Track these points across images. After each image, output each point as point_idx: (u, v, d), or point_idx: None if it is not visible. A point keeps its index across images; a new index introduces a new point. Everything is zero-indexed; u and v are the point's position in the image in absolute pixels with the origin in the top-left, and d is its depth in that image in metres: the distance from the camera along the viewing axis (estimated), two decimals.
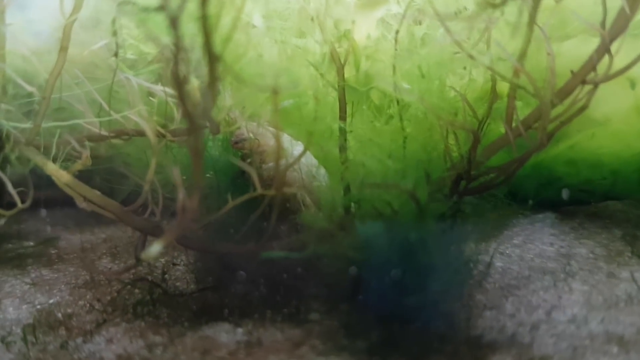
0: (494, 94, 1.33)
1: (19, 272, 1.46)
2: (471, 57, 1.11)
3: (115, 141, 1.47)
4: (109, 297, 1.27)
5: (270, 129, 1.44)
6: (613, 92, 1.35)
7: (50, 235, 1.69)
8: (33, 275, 1.43)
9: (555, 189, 1.54)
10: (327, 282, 1.18)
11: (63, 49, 1.18)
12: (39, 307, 1.26)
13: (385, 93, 1.54)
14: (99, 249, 1.58)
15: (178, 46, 0.88)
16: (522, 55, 1.15)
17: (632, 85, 1.38)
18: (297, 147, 1.41)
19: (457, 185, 1.25)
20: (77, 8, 1.18)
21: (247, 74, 1.01)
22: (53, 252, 1.58)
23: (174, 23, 0.87)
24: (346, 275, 1.14)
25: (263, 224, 1.25)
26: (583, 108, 1.27)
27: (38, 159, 1.28)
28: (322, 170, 1.39)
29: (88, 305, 1.25)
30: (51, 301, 1.28)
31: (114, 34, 1.16)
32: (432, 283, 1.10)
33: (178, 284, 1.31)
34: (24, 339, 1.12)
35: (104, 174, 1.60)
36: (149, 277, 1.31)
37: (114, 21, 1.12)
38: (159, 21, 0.99)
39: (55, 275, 1.42)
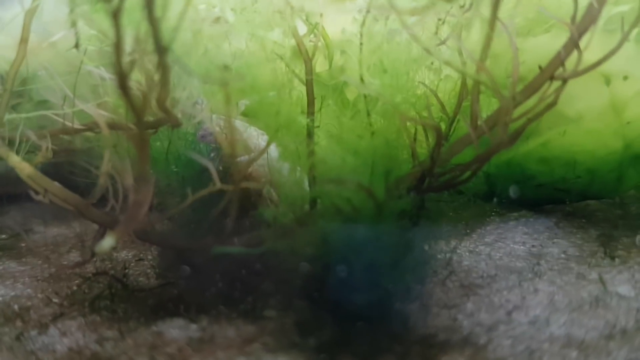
0: (463, 91, 1.31)
1: None
2: (428, 51, 1.09)
3: (89, 135, 1.47)
4: (68, 291, 1.26)
5: (239, 123, 1.43)
6: (587, 88, 1.32)
7: (24, 228, 1.69)
8: (0, 267, 1.43)
9: (529, 187, 1.51)
10: (285, 279, 1.16)
11: (23, 40, 1.18)
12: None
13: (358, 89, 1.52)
14: (69, 243, 1.57)
15: (118, 36, 0.87)
16: (484, 51, 1.13)
17: (607, 81, 1.35)
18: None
19: (421, 182, 1.23)
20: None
21: (199, 66, 1.00)
22: (23, 245, 1.58)
23: (114, 13, 0.86)
24: (304, 273, 1.13)
25: (225, 219, 1.25)
26: (551, 105, 1.24)
27: (1, 151, 1.27)
28: (286, 165, 1.37)
29: (47, 298, 1.24)
30: (12, 293, 1.27)
31: (73, 24, 1.15)
32: (387, 281, 1.09)
33: (139, 279, 1.30)
34: None
35: (74, 168, 1.60)
36: (110, 272, 1.30)
37: (71, 11, 1.11)
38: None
39: (22, 268, 1.41)
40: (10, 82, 1.20)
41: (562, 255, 1.38)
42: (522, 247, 1.43)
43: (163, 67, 0.95)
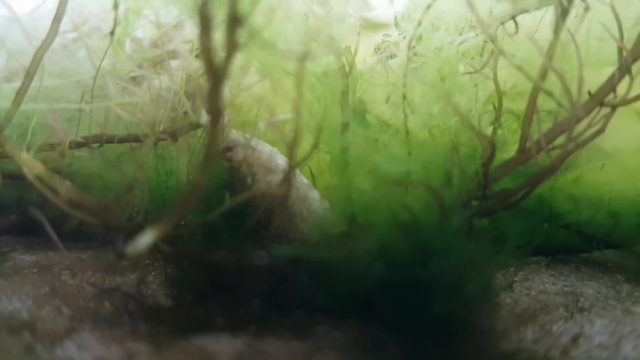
0: (499, 111, 1.27)
1: None
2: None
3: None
4: (76, 306, 1.10)
5: (261, 142, 1.35)
6: (622, 123, 1.32)
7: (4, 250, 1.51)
8: None
9: (552, 228, 1.47)
10: (333, 292, 1.05)
11: (57, 19, 1.06)
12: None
13: (379, 119, 1.48)
14: (54, 268, 1.39)
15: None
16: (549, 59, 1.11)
17: None
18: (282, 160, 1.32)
19: (470, 200, 1.16)
20: None
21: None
22: (7, 264, 1.39)
23: None
24: (357, 285, 1.02)
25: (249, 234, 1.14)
26: (599, 131, 1.23)
27: (9, 147, 1.13)
28: (316, 193, 1.29)
29: (56, 311, 1.07)
30: (10, 308, 1.10)
31: (115, 6, 1.06)
32: (454, 297, 0.99)
33: (155, 295, 1.15)
34: None
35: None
36: (123, 288, 1.15)
37: None
38: None
39: (12, 285, 1.23)
40: (35, 66, 1.07)
41: (598, 295, 1.32)
42: (554, 286, 1.36)
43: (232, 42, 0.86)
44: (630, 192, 1.40)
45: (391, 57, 1.53)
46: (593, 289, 1.36)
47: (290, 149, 1.04)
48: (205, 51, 0.82)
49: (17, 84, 1.17)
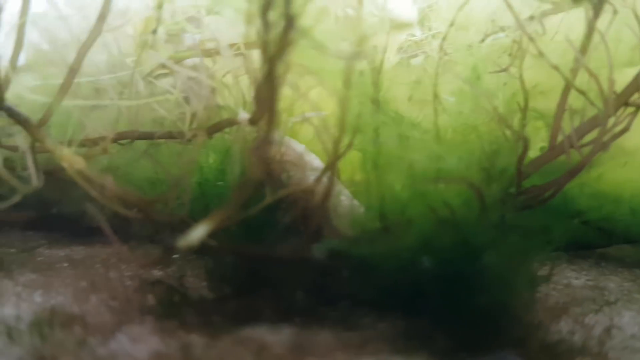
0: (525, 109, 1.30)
1: (5, 275, 1.28)
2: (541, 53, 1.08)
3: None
4: (121, 299, 1.11)
5: (292, 140, 1.37)
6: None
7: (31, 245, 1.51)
8: (22, 279, 1.25)
9: (575, 224, 1.50)
10: (377, 285, 1.07)
11: (101, 17, 1.08)
12: (40, 306, 1.09)
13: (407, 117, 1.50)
14: (87, 262, 1.41)
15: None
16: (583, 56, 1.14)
17: None
18: (316, 160, 1.34)
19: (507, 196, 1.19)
20: None
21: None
22: (39, 259, 1.40)
23: None
24: (401, 279, 1.05)
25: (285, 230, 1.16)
26: (624, 130, 1.26)
27: (49, 143, 1.14)
28: (345, 190, 1.31)
29: (100, 305, 1.09)
30: (53, 302, 1.11)
31: (159, 6, 1.08)
32: (497, 290, 1.02)
33: (197, 288, 1.17)
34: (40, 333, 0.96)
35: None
36: (167, 281, 1.17)
37: None
38: None
39: (50, 279, 1.24)
40: (78, 62, 1.09)
41: (621, 288, 1.36)
42: (577, 280, 1.40)
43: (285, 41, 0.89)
44: None
45: (415, 56, 1.55)
46: (615, 283, 1.39)
47: (334, 145, 1.07)
48: (264, 51, 0.85)
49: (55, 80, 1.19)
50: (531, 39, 1.09)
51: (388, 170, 1.13)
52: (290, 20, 0.86)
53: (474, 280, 1.02)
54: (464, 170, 1.09)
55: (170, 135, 1.28)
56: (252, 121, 1.11)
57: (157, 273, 1.24)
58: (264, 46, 0.88)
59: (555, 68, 1.09)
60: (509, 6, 1.08)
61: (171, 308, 1.08)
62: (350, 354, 0.91)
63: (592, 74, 1.11)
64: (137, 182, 1.40)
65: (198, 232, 0.95)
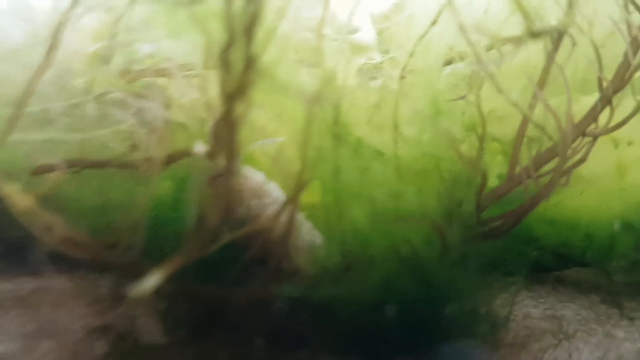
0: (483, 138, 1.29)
1: None
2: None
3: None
4: (71, 348, 1.06)
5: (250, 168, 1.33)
6: (600, 150, 1.36)
7: None
8: None
9: (530, 250, 1.50)
10: (337, 329, 1.04)
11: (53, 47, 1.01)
12: None
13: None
14: (32, 299, 1.33)
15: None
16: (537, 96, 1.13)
17: (615, 145, 1.40)
18: (276, 190, 1.31)
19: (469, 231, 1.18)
20: None
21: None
22: None
23: None
24: (362, 322, 1.02)
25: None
26: (581, 160, 1.26)
27: None
28: (307, 224, 1.28)
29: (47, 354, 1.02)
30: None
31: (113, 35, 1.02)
32: (459, 334, 1.01)
33: (149, 332, 1.12)
34: None
35: None
36: (116, 327, 1.11)
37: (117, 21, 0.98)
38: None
39: None
40: (27, 96, 1.02)
41: (579, 317, 1.36)
42: (535, 309, 1.39)
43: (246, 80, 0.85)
44: (604, 215, 1.45)
45: (374, 79, 1.53)
46: (572, 311, 1.39)
47: (296, 178, 1.04)
48: (225, 95, 0.81)
49: None
50: (489, 74, 1.08)
51: (349, 204, 1.10)
52: (250, 61, 0.83)
53: (435, 324, 1.00)
54: (424, 208, 1.07)
55: (124, 164, 1.22)
56: (210, 156, 1.06)
57: (106, 315, 1.18)
58: (223, 84, 0.84)
59: (515, 105, 1.07)
60: (467, 39, 1.06)
61: (123, 357, 1.03)
62: None
63: (550, 110, 1.10)
64: (87, 211, 1.35)
65: (150, 281, 0.90)
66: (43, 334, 1.11)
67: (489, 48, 1.22)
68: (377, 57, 1.51)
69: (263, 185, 1.30)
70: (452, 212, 1.07)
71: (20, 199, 1.03)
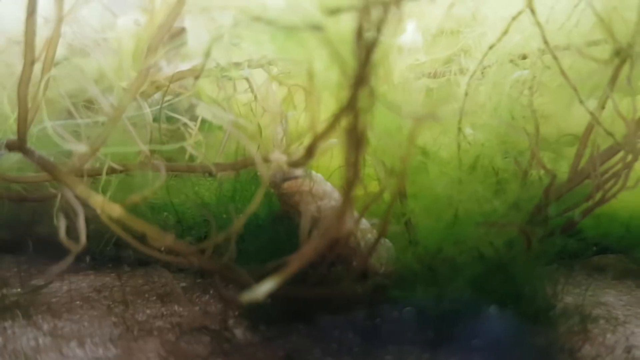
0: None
1: (28, 322, 1.22)
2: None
3: None
4: (169, 348, 1.10)
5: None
6: None
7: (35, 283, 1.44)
8: (46, 326, 1.21)
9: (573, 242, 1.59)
10: (426, 326, 1.11)
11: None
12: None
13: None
14: (102, 298, 1.36)
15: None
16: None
17: None
18: (333, 191, 1.35)
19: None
20: None
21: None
22: (53, 300, 1.34)
23: None
24: (450, 320, 1.09)
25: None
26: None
27: (80, 189, 1.10)
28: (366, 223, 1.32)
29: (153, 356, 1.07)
30: (100, 353, 1.08)
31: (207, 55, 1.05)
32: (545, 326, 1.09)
33: (240, 330, 1.17)
34: None
35: None
36: (210, 326, 1.16)
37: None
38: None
39: (78, 326, 1.21)
40: (125, 103, 1.05)
41: (622, 303, 1.45)
42: (579, 297, 1.48)
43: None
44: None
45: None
46: (614, 297, 1.49)
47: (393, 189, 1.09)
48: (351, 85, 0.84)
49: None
50: (564, 74, 1.14)
51: (430, 211, 1.16)
52: (372, 91, 0.87)
53: (523, 319, 1.07)
54: (506, 212, 1.14)
55: (202, 169, 1.26)
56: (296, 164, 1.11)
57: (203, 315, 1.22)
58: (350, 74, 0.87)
59: (590, 112, 1.14)
60: (551, 51, 1.13)
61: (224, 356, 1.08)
62: None
63: (617, 111, 1.17)
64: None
65: (266, 287, 0.94)
66: (132, 336, 1.15)
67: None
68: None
69: (325, 187, 1.35)
70: (533, 213, 1.14)
71: (110, 209, 1.06)
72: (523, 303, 1.07)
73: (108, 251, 1.57)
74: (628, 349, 1.18)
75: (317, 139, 1.01)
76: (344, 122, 0.90)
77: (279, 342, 1.13)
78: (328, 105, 1.00)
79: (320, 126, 0.98)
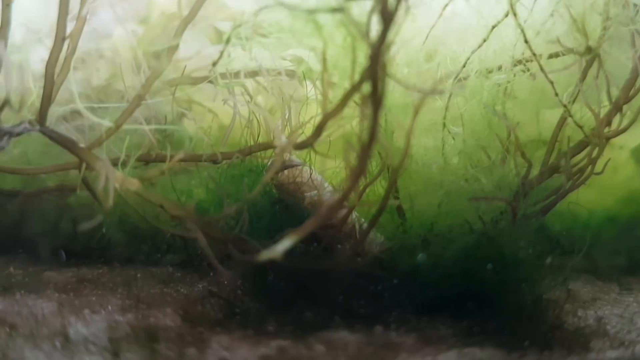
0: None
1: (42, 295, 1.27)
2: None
3: None
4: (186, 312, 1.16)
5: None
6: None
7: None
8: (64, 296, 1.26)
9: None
10: (425, 292, 1.20)
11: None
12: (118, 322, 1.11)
13: None
14: (99, 283, 1.41)
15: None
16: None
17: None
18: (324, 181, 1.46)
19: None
20: None
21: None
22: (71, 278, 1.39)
23: None
24: (447, 286, 1.19)
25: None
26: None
27: (100, 165, 1.16)
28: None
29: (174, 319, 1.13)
30: (121, 318, 1.13)
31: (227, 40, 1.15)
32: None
33: (248, 300, 1.24)
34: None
35: None
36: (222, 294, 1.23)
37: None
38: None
39: (102, 297, 1.26)
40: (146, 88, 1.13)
41: (585, 290, 1.59)
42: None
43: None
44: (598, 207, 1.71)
45: None
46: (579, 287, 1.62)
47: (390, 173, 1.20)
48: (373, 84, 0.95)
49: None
50: (547, 76, 1.29)
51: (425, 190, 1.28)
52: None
53: (511, 285, 1.19)
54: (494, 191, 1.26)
55: (210, 158, 1.33)
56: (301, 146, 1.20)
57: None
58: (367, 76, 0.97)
59: (565, 107, 1.29)
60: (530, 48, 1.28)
61: (237, 319, 1.15)
62: (434, 348, 1.04)
63: (590, 107, 1.32)
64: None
65: (284, 245, 1.01)
66: (152, 303, 1.21)
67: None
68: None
69: (318, 178, 1.45)
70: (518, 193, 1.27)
71: (129, 182, 1.13)
72: (510, 268, 1.18)
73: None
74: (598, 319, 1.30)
75: (328, 117, 1.11)
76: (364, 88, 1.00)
77: (285, 311, 1.20)
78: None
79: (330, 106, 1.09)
